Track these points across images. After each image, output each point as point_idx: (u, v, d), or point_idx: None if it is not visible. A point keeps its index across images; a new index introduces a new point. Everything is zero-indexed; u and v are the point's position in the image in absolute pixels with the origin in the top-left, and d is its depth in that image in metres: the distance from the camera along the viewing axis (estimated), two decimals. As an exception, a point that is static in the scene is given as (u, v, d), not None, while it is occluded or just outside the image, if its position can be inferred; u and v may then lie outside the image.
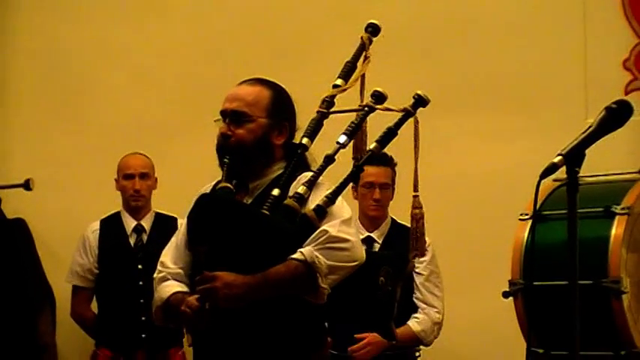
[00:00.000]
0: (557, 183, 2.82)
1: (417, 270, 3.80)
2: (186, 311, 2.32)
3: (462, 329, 4.03)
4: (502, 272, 2.96)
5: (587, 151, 2.02)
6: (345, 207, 2.43)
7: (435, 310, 3.78)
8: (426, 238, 3.68)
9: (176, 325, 2.52)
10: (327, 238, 2.32)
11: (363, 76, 2.60)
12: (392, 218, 3.87)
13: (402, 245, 2.76)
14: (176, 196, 3.11)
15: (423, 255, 2.62)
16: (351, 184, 3.70)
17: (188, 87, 4.65)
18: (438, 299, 3.80)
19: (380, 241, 3.84)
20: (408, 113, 2.50)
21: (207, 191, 2.56)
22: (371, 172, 3.73)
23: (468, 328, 4.09)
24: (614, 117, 2.07)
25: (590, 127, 2.06)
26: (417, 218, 2.52)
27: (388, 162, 3.75)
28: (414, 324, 3.76)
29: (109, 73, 4.72)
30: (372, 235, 3.85)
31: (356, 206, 3.83)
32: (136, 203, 4.22)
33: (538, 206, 2.83)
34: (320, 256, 2.30)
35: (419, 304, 3.80)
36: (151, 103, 4.69)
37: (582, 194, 2.00)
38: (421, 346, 3.84)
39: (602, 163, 2.79)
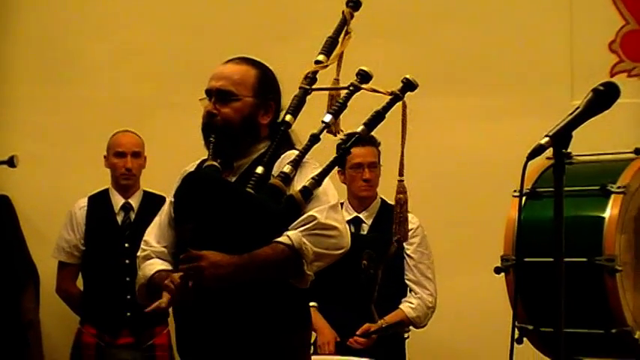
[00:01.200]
0: (551, 161, 2.81)
1: (407, 252, 3.78)
2: (168, 286, 2.30)
3: (451, 309, 4.02)
4: (489, 251, 2.95)
5: (582, 132, 2.00)
6: (332, 190, 2.41)
7: (428, 292, 3.76)
8: (416, 220, 3.73)
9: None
10: (315, 225, 2.30)
11: (341, 52, 2.58)
12: (381, 199, 3.85)
13: (391, 226, 2.74)
14: (163, 174, 3.07)
15: (405, 240, 2.61)
16: (336, 169, 3.72)
17: (176, 63, 4.61)
18: (431, 281, 3.78)
19: (368, 222, 3.82)
20: (396, 97, 2.47)
21: (192, 170, 2.54)
22: (358, 153, 3.72)
23: (458, 307, 4.08)
24: (602, 99, 2.07)
25: (577, 108, 2.04)
26: (401, 203, 2.52)
27: (373, 142, 3.73)
28: (409, 310, 3.73)
29: (95, 50, 4.67)
30: (360, 215, 3.83)
31: (343, 190, 3.81)
32: (127, 182, 4.19)
33: (532, 184, 2.83)
34: (307, 243, 2.28)
35: (411, 285, 3.78)
36: (138, 79, 4.65)
37: (578, 172, 2.00)
38: (412, 327, 3.83)
39: (595, 144, 2.79)
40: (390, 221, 2.56)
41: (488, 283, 2.93)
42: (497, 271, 2.79)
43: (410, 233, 3.70)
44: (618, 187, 2.75)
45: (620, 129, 3.90)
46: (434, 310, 3.79)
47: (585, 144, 2.25)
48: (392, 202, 2.78)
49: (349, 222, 3.78)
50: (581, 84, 3.96)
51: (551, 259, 1.93)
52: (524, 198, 2.81)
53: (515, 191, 2.83)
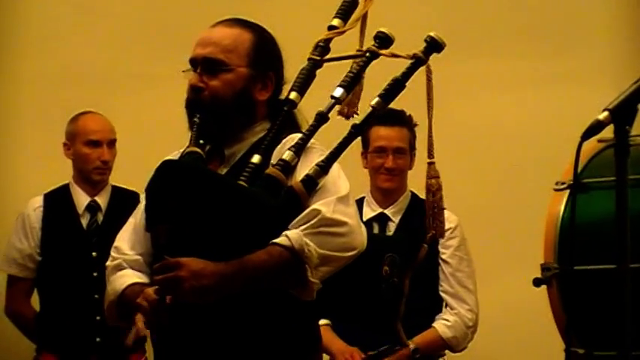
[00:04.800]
0: (602, 144, 2.82)
1: (443, 257, 3.82)
2: (142, 304, 2.33)
3: (489, 324, 4.04)
4: (537, 253, 2.97)
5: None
6: (342, 178, 2.43)
7: (467, 307, 3.79)
8: (454, 218, 3.75)
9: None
10: (319, 221, 2.32)
11: (365, 15, 2.59)
12: (412, 192, 3.88)
13: (423, 225, 2.76)
14: (135, 165, 3.11)
15: (442, 236, 2.63)
16: (360, 150, 3.75)
17: (149, 27, 4.62)
18: (471, 294, 3.81)
19: (396, 220, 3.86)
20: (418, 60, 2.48)
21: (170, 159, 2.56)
22: (382, 135, 3.75)
23: (496, 322, 4.11)
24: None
25: (645, 73, 2.06)
26: (434, 190, 2.51)
27: (404, 121, 3.76)
28: (444, 329, 3.77)
29: (47, 9, 4.67)
30: (386, 212, 3.87)
31: (366, 177, 3.84)
32: (102, 177, 4.21)
33: (578, 172, 2.83)
34: (311, 243, 2.30)
35: (447, 299, 3.81)
36: (101, 46, 4.66)
37: (635, 157, 2.00)
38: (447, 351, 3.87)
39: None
40: (422, 218, 2.57)
41: (529, 293, 2.95)
42: (537, 282, 2.80)
43: (446, 234, 3.74)
44: None
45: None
46: (475, 330, 3.82)
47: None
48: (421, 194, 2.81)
49: (373, 219, 3.83)
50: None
51: (605, 267, 1.94)
52: (567, 192, 2.81)
53: (557, 183, 2.84)
